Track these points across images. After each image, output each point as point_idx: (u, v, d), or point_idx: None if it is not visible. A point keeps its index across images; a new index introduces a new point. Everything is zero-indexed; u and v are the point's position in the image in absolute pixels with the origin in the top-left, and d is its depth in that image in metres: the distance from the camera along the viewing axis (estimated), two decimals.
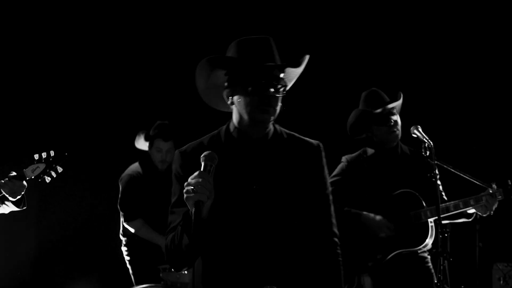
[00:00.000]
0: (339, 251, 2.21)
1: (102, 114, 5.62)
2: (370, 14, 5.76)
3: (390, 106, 3.56)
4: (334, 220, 2.24)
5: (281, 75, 2.13)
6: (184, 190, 1.93)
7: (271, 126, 2.20)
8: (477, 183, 3.42)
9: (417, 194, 3.48)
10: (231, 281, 2.11)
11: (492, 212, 3.36)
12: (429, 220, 3.44)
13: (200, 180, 1.91)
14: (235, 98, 2.14)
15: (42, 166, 3.15)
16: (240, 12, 5.69)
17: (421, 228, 3.45)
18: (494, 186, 3.35)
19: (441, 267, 3.12)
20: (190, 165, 2.03)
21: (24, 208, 3.23)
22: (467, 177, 3.43)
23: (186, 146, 2.23)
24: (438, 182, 3.36)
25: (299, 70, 2.20)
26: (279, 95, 2.12)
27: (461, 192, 3.43)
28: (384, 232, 3.45)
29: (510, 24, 5.52)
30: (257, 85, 2.08)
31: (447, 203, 3.43)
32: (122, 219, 4.57)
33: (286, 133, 2.26)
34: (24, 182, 3.10)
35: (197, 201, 1.90)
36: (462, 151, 5.36)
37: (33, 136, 5.21)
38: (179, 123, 4.84)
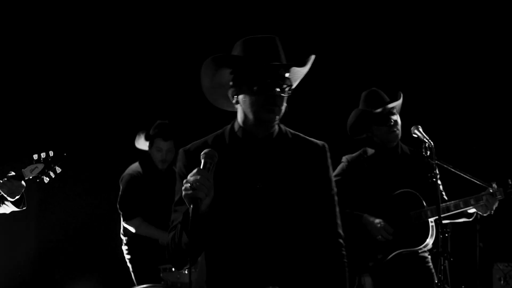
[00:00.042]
0: (344, 252, 2.20)
1: (102, 114, 5.62)
2: (370, 14, 5.76)
3: (390, 105, 3.56)
4: (339, 221, 2.23)
5: (287, 75, 2.13)
6: (183, 188, 1.92)
7: (276, 126, 2.20)
8: (478, 182, 3.42)
9: (417, 194, 3.48)
10: (235, 281, 2.10)
11: (492, 211, 3.36)
12: (430, 220, 3.44)
13: (198, 177, 1.90)
14: (240, 97, 2.13)
15: (40, 166, 3.14)
16: (241, 12, 5.69)
17: (421, 228, 3.45)
18: (494, 185, 3.35)
19: (442, 267, 3.11)
20: (194, 164, 2.02)
21: (24, 208, 3.23)
22: (467, 177, 3.43)
23: (190, 145, 2.22)
24: (439, 182, 3.35)
25: (304, 70, 2.19)
26: (285, 95, 2.11)
27: (461, 191, 3.43)
28: (382, 235, 3.44)
29: (510, 24, 5.52)
30: (263, 84, 2.08)
31: (448, 203, 3.42)
32: (121, 219, 4.57)
33: (291, 133, 2.25)
34: (23, 182, 3.09)
35: (195, 198, 1.89)
36: (463, 150, 5.36)
37: (33, 136, 5.21)
38: (179, 123, 4.84)
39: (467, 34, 5.58)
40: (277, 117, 2.13)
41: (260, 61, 2.08)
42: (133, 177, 4.55)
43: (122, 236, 4.62)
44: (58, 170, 3.22)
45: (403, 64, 5.61)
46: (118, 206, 4.54)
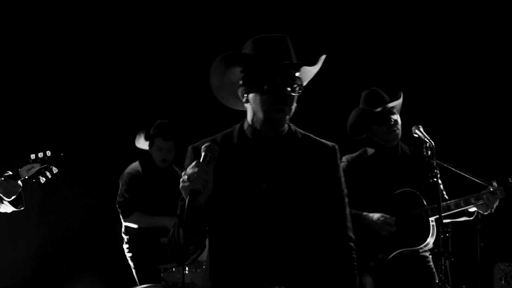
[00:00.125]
0: (354, 255, 2.17)
1: (102, 114, 5.63)
2: (370, 14, 5.76)
3: (391, 105, 3.56)
4: (349, 224, 2.20)
5: (297, 74, 2.12)
6: (181, 180, 1.92)
7: (286, 125, 2.18)
8: (478, 181, 3.41)
9: (417, 193, 3.48)
10: (239, 280, 2.08)
11: (493, 210, 3.36)
12: (430, 219, 3.44)
13: (196, 169, 1.90)
14: (250, 96, 2.12)
15: (37, 166, 3.14)
16: (242, 12, 5.69)
17: (422, 227, 3.45)
18: (495, 184, 3.35)
19: (443, 267, 3.11)
20: None
21: (22, 208, 3.22)
22: (467, 176, 3.43)
23: (199, 142, 2.21)
24: (439, 181, 3.35)
25: (315, 70, 2.18)
26: (295, 94, 2.10)
27: (462, 190, 3.43)
28: (385, 229, 3.43)
29: (510, 24, 5.52)
30: (273, 83, 2.06)
31: (448, 202, 3.42)
32: (121, 218, 4.57)
33: (301, 133, 2.23)
34: (19, 182, 3.09)
35: (192, 190, 1.88)
36: (463, 150, 5.36)
37: (34, 136, 5.21)
38: (180, 122, 4.85)
39: (467, 34, 5.58)
40: (287, 117, 2.12)
41: (271, 60, 2.07)
42: (133, 176, 4.56)
43: (123, 235, 4.62)
44: (55, 170, 3.21)
45: (403, 64, 5.61)
46: (117, 204, 4.54)
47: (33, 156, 3.15)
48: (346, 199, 2.22)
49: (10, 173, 3.09)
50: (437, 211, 3.21)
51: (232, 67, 2.12)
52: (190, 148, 2.19)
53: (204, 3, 5.76)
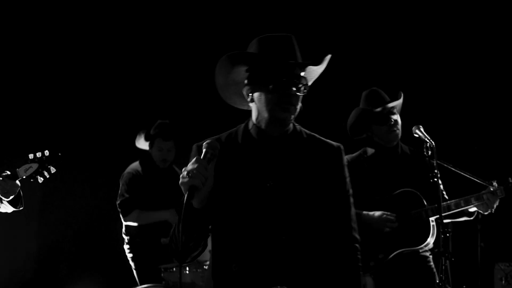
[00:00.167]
0: (359, 256, 2.16)
1: (102, 114, 5.63)
2: (371, 14, 5.76)
3: (391, 105, 3.56)
4: (354, 225, 2.18)
5: (302, 74, 2.12)
6: (181, 175, 1.92)
7: (291, 125, 2.18)
8: (478, 181, 3.42)
9: (418, 193, 3.48)
10: (241, 279, 2.08)
11: (493, 210, 3.36)
12: (431, 219, 3.44)
13: (196, 166, 1.91)
14: (256, 95, 2.12)
15: (35, 166, 3.13)
16: (245, 12, 5.69)
17: (422, 227, 3.45)
18: (495, 184, 3.35)
19: (443, 267, 3.11)
20: None
21: (21, 208, 3.21)
22: (467, 176, 3.43)
23: (203, 140, 2.20)
24: (439, 181, 3.35)
25: (320, 69, 2.18)
26: (300, 94, 2.10)
27: (462, 190, 3.43)
28: (386, 226, 3.43)
29: (510, 24, 5.52)
30: (279, 82, 2.07)
31: (448, 202, 3.43)
32: (121, 217, 4.57)
33: (306, 133, 2.23)
34: (17, 182, 3.08)
35: (191, 186, 1.88)
36: (463, 150, 5.36)
37: (33, 136, 5.21)
38: (180, 122, 4.85)
39: (467, 34, 5.58)
40: (292, 116, 2.12)
41: (276, 59, 2.07)
42: (133, 175, 4.57)
43: (124, 236, 4.63)
44: (53, 170, 3.20)
45: (403, 64, 5.61)
46: (117, 204, 4.54)
47: (31, 156, 3.15)
48: (352, 200, 2.20)
49: (8, 173, 3.08)
50: (437, 211, 3.21)
51: (237, 66, 2.12)
52: (194, 146, 2.19)
53: (205, 2, 5.75)
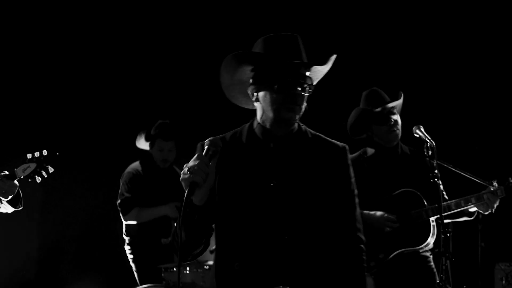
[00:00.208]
0: (364, 257, 2.16)
1: (103, 114, 5.63)
2: (371, 14, 5.76)
3: (391, 105, 3.56)
4: (359, 225, 2.18)
5: (308, 74, 2.12)
6: (182, 172, 1.93)
7: (296, 125, 2.18)
8: (478, 181, 3.42)
9: (418, 193, 3.48)
10: (243, 278, 2.08)
11: (493, 210, 3.36)
12: (431, 219, 3.44)
13: (197, 162, 1.92)
14: (261, 94, 2.12)
15: (33, 166, 3.12)
16: (248, 13, 5.69)
17: (422, 227, 3.45)
18: (495, 184, 3.35)
19: (443, 267, 3.11)
20: None
21: (20, 208, 3.20)
22: (467, 176, 3.43)
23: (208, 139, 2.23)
24: (439, 181, 3.35)
25: (325, 69, 2.18)
26: (305, 94, 2.10)
27: (462, 190, 3.43)
28: (387, 226, 3.43)
29: (510, 24, 5.52)
30: (284, 82, 2.07)
31: (449, 202, 3.43)
32: (121, 217, 4.57)
33: (311, 133, 2.23)
34: (16, 182, 3.06)
35: (192, 182, 1.89)
36: (463, 150, 5.35)
37: (32, 136, 5.20)
38: (180, 122, 4.85)
39: (467, 34, 5.58)
40: (297, 116, 2.12)
41: (281, 59, 2.07)
42: (133, 175, 4.56)
43: (124, 236, 4.62)
44: (51, 169, 3.18)
45: (403, 64, 5.61)
46: (117, 203, 4.54)
47: (29, 156, 3.13)
48: (357, 200, 2.20)
49: (7, 172, 3.07)
50: (437, 210, 3.21)
51: (243, 66, 2.12)
52: (199, 144, 2.19)
53: (207, 2, 5.75)
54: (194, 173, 1.90)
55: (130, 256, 4.59)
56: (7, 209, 3.17)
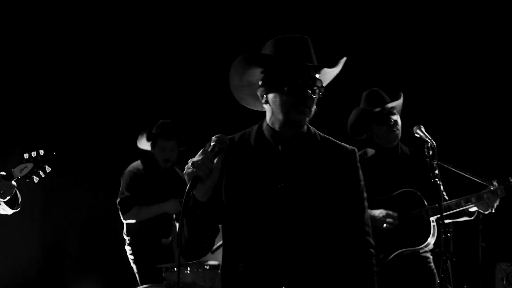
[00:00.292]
0: (374, 261, 2.15)
1: (104, 113, 5.64)
2: (371, 14, 5.76)
3: (390, 105, 3.56)
4: (369, 229, 2.17)
5: (317, 76, 2.12)
6: (186, 166, 1.94)
7: (305, 127, 2.18)
8: (478, 181, 3.42)
9: (418, 193, 3.48)
10: (248, 279, 2.08)
11: (493, 209, 3.36)
12: (431, 219, 3.44)
13: (202, 157, 1.92)
14: (270, 96, 2.12)
15: (30, 166, 3.09)
16: (241, 12, 5.70)
17: (423, 227, 3.45)
18: (495, 183, 3.35)
19: (444, 267, 3.11)
20: None
21: (18, 209, 3.18)
22: (467, 176, 3.43)
23: None
24: (440, 182, 3.35)
25: (335, 72, 2.19)
26: (315, 96, 2.11)
27: (462, 190, 3.43)
28: (387, 223, 3.43)
29: (510, 24, 5.52)
30: (294, 84, 2.07)
31: (449, 201, 3.43)
32: (121, 216, 4.56)
33: (321, 135, 2.23)
34: (13, 182, 3.04)
35: (195, 176, 1.90)
36: (463, 149, 5.36)
37: (31, 136, 5.20)
38: (182, 122, 4.85)
39: (467, 34, 5.58)
40: (307, 119, 2.13)
41: (292, 61, 2.07)
42: (134, 174, 4.57)
43: (125, 236, 4.63)
44: (48, 169, 3.15)
45: (403, 64, 5.61)
46: (117, 202, 4.54)
47: (26, 156, 3.11)
48: (366, 203, 2.19)
49: (4, 173, 3.05)
50: (438, 210, 3.21)
51: (253, 68, 2.12)
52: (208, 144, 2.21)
53: (209, 2, 5.75)
54: (197, 167, 1.91)
55: (130, 256, 4.59)
56: (6, 210, 3.15)
